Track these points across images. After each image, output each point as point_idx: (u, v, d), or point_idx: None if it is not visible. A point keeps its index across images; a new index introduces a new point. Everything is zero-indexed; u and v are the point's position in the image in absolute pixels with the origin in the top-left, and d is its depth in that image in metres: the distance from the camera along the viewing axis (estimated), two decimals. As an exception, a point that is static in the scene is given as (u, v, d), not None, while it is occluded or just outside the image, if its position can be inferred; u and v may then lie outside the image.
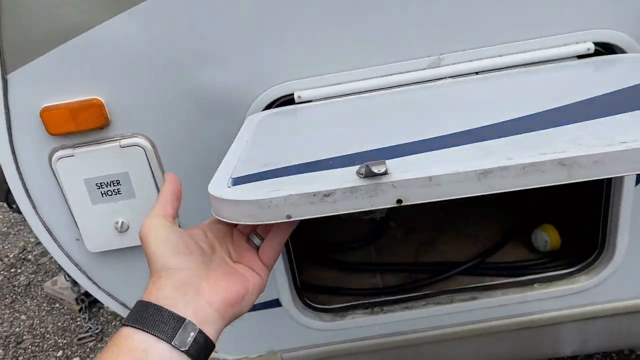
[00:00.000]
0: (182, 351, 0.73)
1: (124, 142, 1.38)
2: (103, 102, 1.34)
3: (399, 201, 0.76)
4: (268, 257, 0.94)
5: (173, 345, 0.73)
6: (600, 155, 0.75)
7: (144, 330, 0.73)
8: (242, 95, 1.34)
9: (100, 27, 1.23)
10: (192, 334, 0.75)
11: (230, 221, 0.82)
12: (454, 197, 0.77)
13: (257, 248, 0.95)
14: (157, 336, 0.73)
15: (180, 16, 1.25)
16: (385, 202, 0.77)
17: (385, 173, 0.75)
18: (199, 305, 0.78)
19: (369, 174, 0.75)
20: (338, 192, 0.77)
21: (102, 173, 1.41)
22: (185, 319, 0.75)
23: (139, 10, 1.21)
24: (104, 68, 1.30)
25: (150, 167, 1.41)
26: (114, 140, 1.38)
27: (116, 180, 1.42)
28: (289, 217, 0.78)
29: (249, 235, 0.95)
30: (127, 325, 0.75)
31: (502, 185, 0.76)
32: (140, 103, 1.35)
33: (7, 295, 3.67)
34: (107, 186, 1.42)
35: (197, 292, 0.79)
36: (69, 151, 1.38)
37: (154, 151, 1.40)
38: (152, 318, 0.74)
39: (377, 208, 0.77)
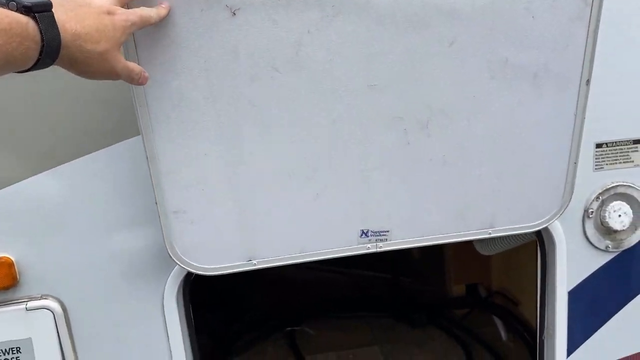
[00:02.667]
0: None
1: (31, 304, 1.25)
2: (13, 260, 1.23)
3: None
4: None
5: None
6: None
7: None
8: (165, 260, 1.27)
9: (19, 185, 1.17)
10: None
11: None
12: None
13: None
14: None
15: (104, 175, 1.21)
16: None
17: None
18: None
19: None
20: None
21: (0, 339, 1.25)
22: None
23: (63, 170, 1.17)
24: (18, 225, 1.21)
25: (58, 334, 1.27)
26: (19, 303, 1.25)
27: (16, 348, 1.26)
28: None
29: None
30: None
31: None
32: (56, 262, 1.25)
33: None
34: (3, 354, 1.26)
35: None
36: (-35, 313, 1.23)
37: (64, 316, 1.27)
38: None
39: None
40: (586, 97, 1.22)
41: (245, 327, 2.62)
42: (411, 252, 3.42)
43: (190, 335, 1.47)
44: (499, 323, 2.42)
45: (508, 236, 1.97)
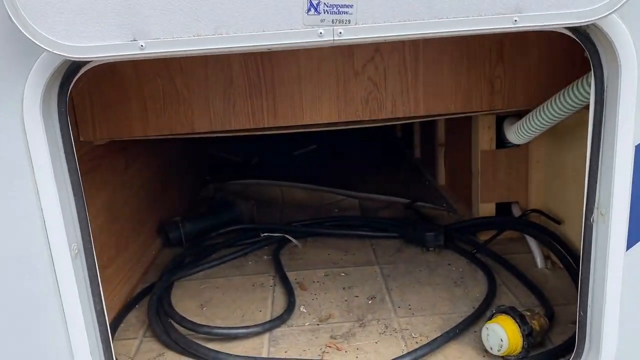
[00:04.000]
0: None
1: None
2: None
3: None
4: None
5: None
6: None
7: None
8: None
9: None
10: None
11: None
12: None
13: None
14: None
15: None
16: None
17: None
18: None
19: None
20: None
21: None
22: None
23: None
24: None
25: None
26: None
27: None
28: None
29: None
30: None
31: None
32: None
33: None
34: None
35: None
36: None
37: None
38: None
39: None
40: None
41: (225, 239, 2.20)
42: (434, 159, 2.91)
43: (69, 163, 1.04)
44: (534, 248, 1.90)
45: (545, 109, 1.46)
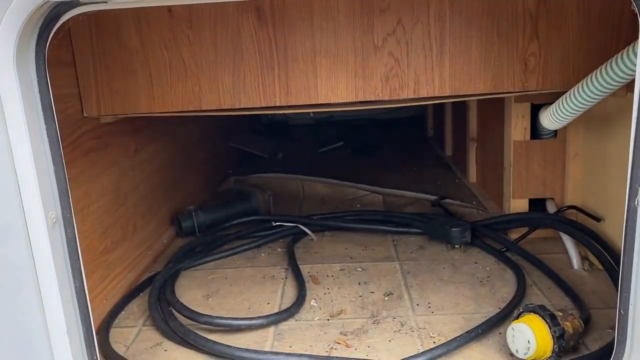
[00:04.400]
0: None
1: None
2: None
3: None
4: None
5: None
6: None
7: None
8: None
9: None
10: None
11: None
12: None
13: None
14: None
15: None
16: None
17: None
18: None
19: None
20: None
21: None
22: None
23: None
24: None
25: None
26: None
27: None
28: None
29: None
30: None
31: None
32: None
33: None
34: None
35: None
36: None
37: None
38: None
39: None
40: None
41: (238, 229, 2.10)
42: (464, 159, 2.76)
43: (48, 124, 0.95)
44: (570, 247, 1.74)
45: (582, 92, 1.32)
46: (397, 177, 2.80)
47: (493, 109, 2.16)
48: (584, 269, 1.67)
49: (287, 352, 1.31)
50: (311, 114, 4.61)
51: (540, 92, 1.49)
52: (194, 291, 1.70)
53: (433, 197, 2.39)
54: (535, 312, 1.23)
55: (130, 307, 1.62)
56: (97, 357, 1.08)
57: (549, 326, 1.20)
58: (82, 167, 1.50)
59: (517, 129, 1.88)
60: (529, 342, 1.19)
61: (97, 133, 1.60)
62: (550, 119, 1.60)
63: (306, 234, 2.06)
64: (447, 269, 1.76)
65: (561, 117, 1.52)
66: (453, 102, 2.99)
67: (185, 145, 2.42)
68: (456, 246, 1.87)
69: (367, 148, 3.53)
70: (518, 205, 1.95)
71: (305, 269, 1.80)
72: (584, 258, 1.71)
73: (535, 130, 1.86)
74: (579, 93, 1.38)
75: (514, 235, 1.91)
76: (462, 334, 1.32)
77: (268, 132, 4.05)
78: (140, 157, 1.92)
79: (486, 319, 1.40)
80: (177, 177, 2.29)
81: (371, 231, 2.08)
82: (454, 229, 1.85)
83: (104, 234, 1.61)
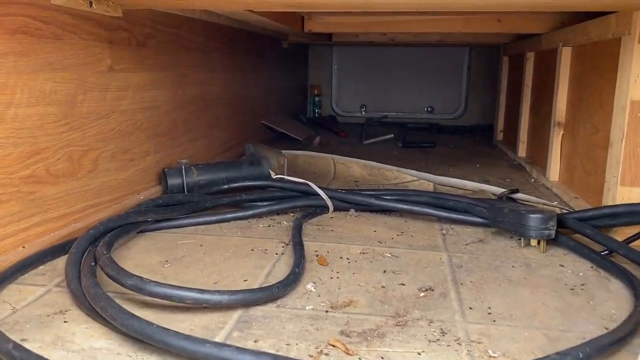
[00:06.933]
0: None
1: None
2: None
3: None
4: None
5: None
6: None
7: None
8: None
9: None
10: None
11: None
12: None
13: None
14: None
15: None
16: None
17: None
18: None
19: None
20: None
21: None
22: None
23: None
24: None
25: None
26: None
27: None
28: None
29: None
30: None
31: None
32: None
33: None
34: None
35: None
36: None
37: None
38: None
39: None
40: None
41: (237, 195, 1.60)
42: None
43: None
44: None
45: None
46: (455, 172, 2.23)
47: (596, 75, 1.60)
48: None
49: (238, 346, 0.77)
50: (362, 112, 4.11)
51: None
52: (152, 255, 1.21)
53: (500, 190, 1.81)
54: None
55: (54, 263, 1.15)
56: None
57: None
58: (5, 48, 1.05)
59: (637, 83, 1.31)
60: (685, 383, 0.62)
61: (41, 14, 1.15)
62: None
63: (323, 211, 1.54)
64: (518, 268, 1.19)
65: None
66: (535, 92, 2.41)
67: (197, 95, 1.96)
68: (532, 243, 1.30)
69: (423, 144, 2.98)
70: (627, 195, 1.36)
71: (311, 247, 1.28)
72: None
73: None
74: None
75: (619, 235, 1.32)
76: (546, 357, 0.76)
77: (310, 123, 3.58)
78: (120, 80, 1.46)
79: (583, 340, 0.83)
80: (178, 127, 1.83)
81: (414, 214, 1.53)
82: (532, 216, 1.28)
83: (33, 155, 1.15)
